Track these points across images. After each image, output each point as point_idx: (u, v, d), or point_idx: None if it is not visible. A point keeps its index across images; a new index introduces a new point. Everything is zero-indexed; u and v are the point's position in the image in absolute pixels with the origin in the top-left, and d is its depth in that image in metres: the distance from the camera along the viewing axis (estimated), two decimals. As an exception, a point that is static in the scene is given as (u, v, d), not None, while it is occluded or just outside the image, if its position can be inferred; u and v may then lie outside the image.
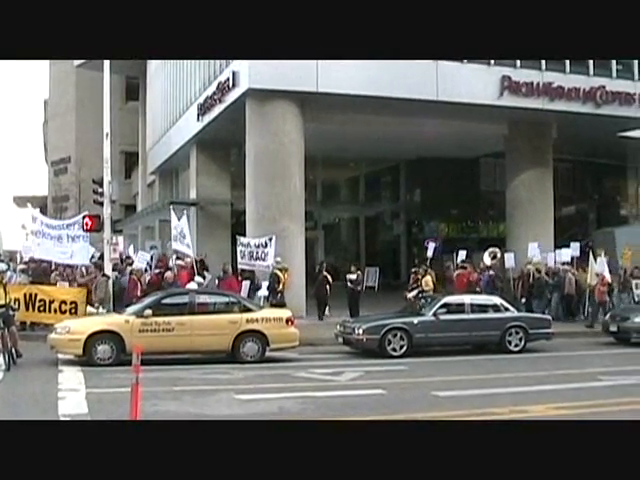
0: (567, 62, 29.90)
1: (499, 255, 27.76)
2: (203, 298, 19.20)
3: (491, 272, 26.35)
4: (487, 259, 27.52)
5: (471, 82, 28.20)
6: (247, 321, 18.16)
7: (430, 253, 27.92)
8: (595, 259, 26.45)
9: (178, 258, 25.60)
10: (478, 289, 25.22)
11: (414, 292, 25.87)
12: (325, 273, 26.88)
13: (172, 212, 26.35)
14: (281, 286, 23.84)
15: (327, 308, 26.66)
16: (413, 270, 27.39)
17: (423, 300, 22.30)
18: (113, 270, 24.14)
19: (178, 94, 38.93)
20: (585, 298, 26.71)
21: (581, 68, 30.09)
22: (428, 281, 26.06)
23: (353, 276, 27.09)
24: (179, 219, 25.30)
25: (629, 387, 14.86)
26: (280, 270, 24.11)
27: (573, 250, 27.64)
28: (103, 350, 17.17)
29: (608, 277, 25.83)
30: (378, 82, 27.04)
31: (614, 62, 30.89)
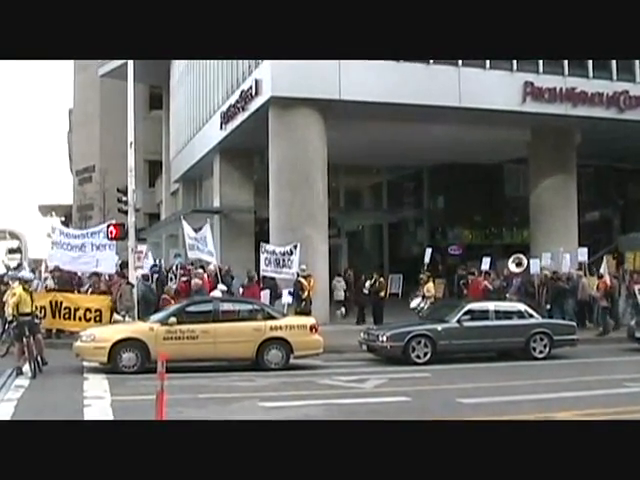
0: (590, 67, 29.79)
1: (524, 262, 27.59)
2: (227, 306, 19.27)
3: (519, 279, 26.17)
4: (512, 266, 27.40)
5: (493, 88, 28.16)
6: (271, 328, 18.20)
7: (427, 259, 27.62)
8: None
9: (201, 267, 25.66)
10: (507, 295, 25.07)
11: (417, 300, 25.82)
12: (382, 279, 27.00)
13: (183, 222, 26.40)
14: (305, 293, 23.82)
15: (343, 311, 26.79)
16: (420, 277, 27.23)
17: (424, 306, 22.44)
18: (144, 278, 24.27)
19: (201, 102, 39.11)
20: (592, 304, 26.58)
21: (604, 73, 29.97)
22: (430, 287, 26.06)
23: (367, 284, 27.10)
24: (201, 227, 25.33)
25: (656, 394, 14.76)
26: (304, 277, 24.11)
27: (581, 255, 27.41)
28: (128, 358, 17.26)
29: (608, 281, 25.66)
30: (400, 89, 27.07)
31: (638, 67, 30.73)
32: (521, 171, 38.20)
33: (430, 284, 26.41)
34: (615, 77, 29.97)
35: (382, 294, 26.72)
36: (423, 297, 25.81)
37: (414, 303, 25.94)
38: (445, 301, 26.43)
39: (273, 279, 24.95)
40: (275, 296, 24.08)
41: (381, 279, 27.21)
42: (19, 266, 28.28)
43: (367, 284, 27.44)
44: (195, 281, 22.86)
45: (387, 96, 26.88)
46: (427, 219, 43.84)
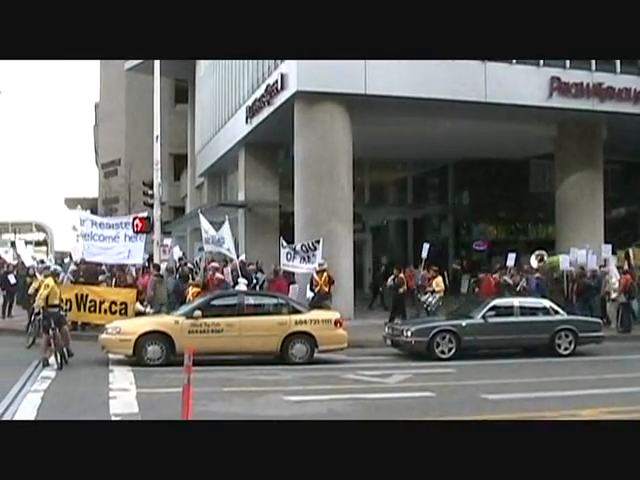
0: (617, 62, 29.54)
1: (546, 258, 27.47)
2: (252, 299, 19.35)
3: (537, 275, 26.01)
4: (534, 261, 27.29)
5: (520, 83, 28.01)
6: (296, 323, 18.24)
7: (425, 254, 27.21)
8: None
9: (212, 260, 25.64)
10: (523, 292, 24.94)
11: (427, 295, 25.73)
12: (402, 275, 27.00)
13: (201, 216, 26.42)
14: (317, 288, 23.73)
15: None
16: (434, 269, 27.02)
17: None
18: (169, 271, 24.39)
19: (227, 97, 39.17)
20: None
21: (632, 68, 29.71)
22: (439, 282, 25.94)
23: (390, 280, 27.05)
24: (222, 223, 25.27)
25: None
26: (318, 273, 24.00)
27: (605, 252, 27.19)
28: (153, 350, 17.37)
29: (614, 277, 25.48)
30: (426, 84, 26.98)
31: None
32: (547, 167, 37.93)
33: (439, 278, 26.33)
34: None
35: (402, 290, 26.53)
36: (432, 292, 25.75)
37: (423, 297, 25.91)
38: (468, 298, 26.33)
39: (292, 273, 24.94)
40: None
41: (400, 275, 27.05)
42: (42, 261, 28.26)
43: (389, 280, 27.33)
44: (217, 275, 22.91)
45: (412, 91, 26.80)
46: (452, 214, 43.66)
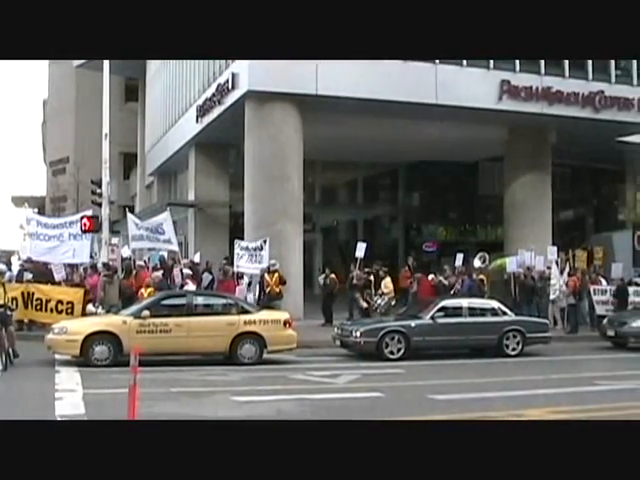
0: (566, 66, 29.92)
1: (487, 260, 27.80)
2: (201, 299, 19.25)
3: (474, 277, 26.14)
4: (477, 262, 27.53)
5: (470, 86, 28.24)
6: (245, 323, 18.16)
7: (360, 253, 26.91)
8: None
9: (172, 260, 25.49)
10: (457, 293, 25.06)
11: (377, 298, 25.81)
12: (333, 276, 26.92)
13: (128, 214, 26.38)
14: (268, 289, 23.72)
15: None
16: (366, 271, 27.08)
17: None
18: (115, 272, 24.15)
19: (177, 95, 38.93)
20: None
21: (580, 73, 30.12)
22: (387, 283, 26.09)
23: (320, 279, 27.05)
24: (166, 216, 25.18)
25: (626, 392, 14.85)
26: (269, 273, 23.99)
27: (551, 254, 27.48)
28: (100, 351, 17.16)
29: (560, 279, 25.81)
30: (377, 85, 27.06)
31: (613, 67, 30.91)
32: (496, 169, 38.26)
33: (388, 279, 26.45)
34: (591, 77, 30.14)
35: (333, 291, 26.47)
36: (381, 294, 25.85)
37: (374, 298, 25.98)
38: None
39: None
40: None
41: (332, 275, 27.00)
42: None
43: (320, 279, 27.26)
44: (155, 274, 22.64)
45: (364, 92, 26.86)
46: (402, 216, 43.84)
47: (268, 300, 23.21)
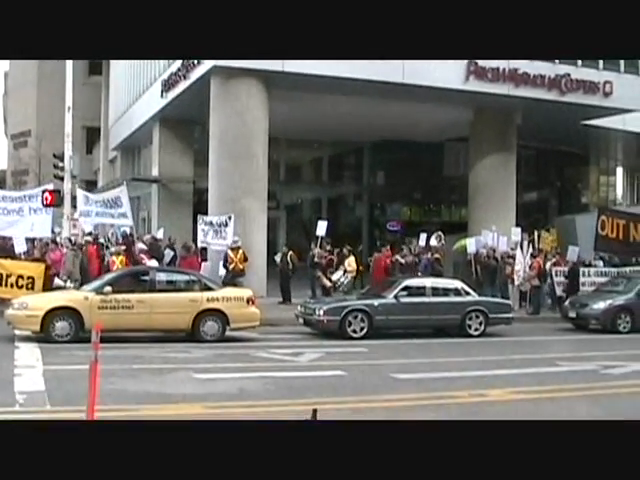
0: (533, 49, 29.90)
1: (443, 239, 27.94)
2: (164, 276, 19.11)
3: (429, 255, 26.21)
4: (433, 241, 27.62)
5: (437, 66, 28.06)
6: (208, 300, 18.06)
7: (321, 231, 26.71)
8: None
9: (90, 234, 25.20)
10: (419, 273, 25.12)
11: (339, 273, 25.84)
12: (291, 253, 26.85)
13: (78, 189, 26.10)
14: (232, 266, 23.63)
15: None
16: (329, 249, 27.02)
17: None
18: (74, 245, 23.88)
19: (142, 70, 38.50)
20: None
21: (547, 55, 30.14)
22: (351, 262, 26.14)
23: (277, 257, 27.01)
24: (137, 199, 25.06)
25: (586, 373, 14.97)
26: (232, 250, 23.91)
27: (514, 235, 27.62)
28: (61, 327, 16.96)
29: (520, 263, 26.02)
30: (344, 63, 26.79)
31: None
32: (461, 150, 38.40)
33: (351, 258, 26.46)
34: (557, 60, 30.17)
35: (291, 268, 26.42)
36: (344, 272, 25.87)
37: (335, 277, 25.96)
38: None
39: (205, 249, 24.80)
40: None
41: (290, 252, 26.95)
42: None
43: (277, 257, 27.19)
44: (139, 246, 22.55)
45: (330, 70, 26.64)
46: (367, 195, 43.90)
47: (232, 277, 23.11)
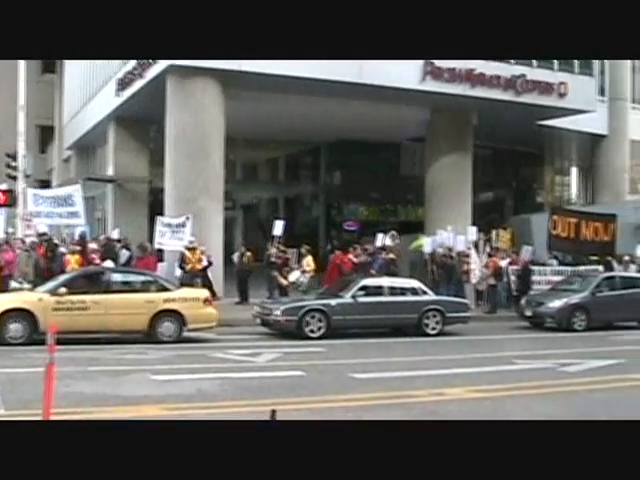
0: (489, 49, 30.04)
1: (398, 238, 28.06)
2: (120, 276, 18.96)
3: (384, 255, 26.26)
4: (388, 241, 27.70)
5: (394, 66, 28.13)
6: (164, 301, 17.95)
7: (278, 231, 26.66)
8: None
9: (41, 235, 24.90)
10: (373, 272, 25.15)
11: (296, 273, 25.83)
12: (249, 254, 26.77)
13: (28, 189, 25.75)
14: (189, 266, 23.50)
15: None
16: (282, 249, 27.00)
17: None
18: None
19: (97, 68, 38.07)
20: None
21: (502, 56, 30.33)
22: (310, 261, 26.12)
23: (234, 257, 26.96)
24: (91, 199, 24.80)
25: (543, 371, 15.08)
26: (189, 250, 23.77)
27: (470, 234, 27.79)
28: (15, 329, 16.73)
29: (475, 262, 26.20)
30: (301, 63, 26.76)
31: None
32: (418, 149, 38.53)
33: (309, 257, 26.45)
34: (513, 61, 30.36)
35: (248, 269, 26.36)
36: (303, 271, 25.85)
37: (292, 277, 25.93)
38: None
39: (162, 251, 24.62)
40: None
41: (248, 253, 26.89)
42: None
43: (235, 257, 27.11)
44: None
45: (288, 69, 26.53)
46: (324, 194, 43.88)
47: (191, 278, 22.99)
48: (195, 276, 23.24)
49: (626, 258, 28.19)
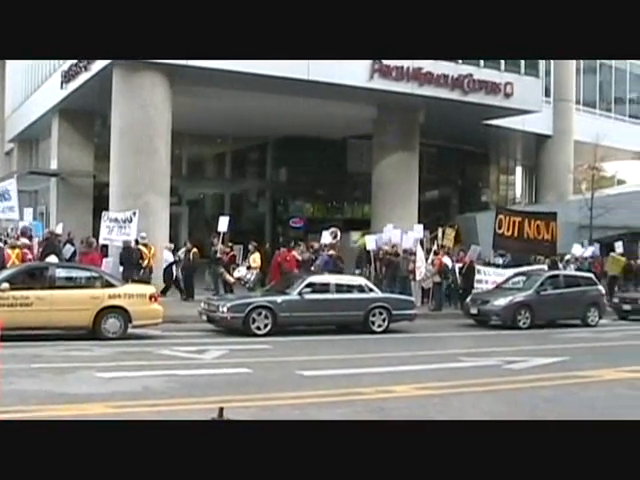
0: (437, 48, 30.18)
1: (339, 235, 28.13)
2: (64, 272, 18.69)
3: (331, 252, 26.29)
4: (328, 238, 27.76)
5: (342, 63, 28.13)
6: (109, 297, 17.72)
7: (223, 227, 26.77)
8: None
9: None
10: (313, 269, 25.18)
11: (243, 270, 25.79)
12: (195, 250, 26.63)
13: None
14: (146, 262, 23.38)
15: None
16: (230, 245, 26.94)
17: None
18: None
19: (41, 60, 37.53)
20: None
21: (450, 55, 30.48)
22: (256, 258, 26.13)
23: (180, 253, 26.86)
24: (33, 192, 24.55)
25: (489, 368, 15.25)
26: (145, 245, 23.66)
27: (417, 232, 27.92)
28: (-45, 325, 16.41)
29: (420, 259, 26.41)
30: (249, 59, 26.68)
31: (482, 52, 31.40)
32: (365, 147, 38.60)
33: (256, 254, 26.40)
34: (460, 60, 30.55)
35: (194, 265, 26.28)
36: (249, 267, 25.81)
37: (239, 273, 25.86)
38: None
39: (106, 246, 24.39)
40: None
41: (194, 249, 26.79)
42: None
43: (180, 254, 26.96)
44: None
45: (235, 65, 26.27)
46: (270, 191, 43.82)
47: (149, 273, 22.95)
48: (151, 272, 23.19)
49: (567, 257, 28.56)
